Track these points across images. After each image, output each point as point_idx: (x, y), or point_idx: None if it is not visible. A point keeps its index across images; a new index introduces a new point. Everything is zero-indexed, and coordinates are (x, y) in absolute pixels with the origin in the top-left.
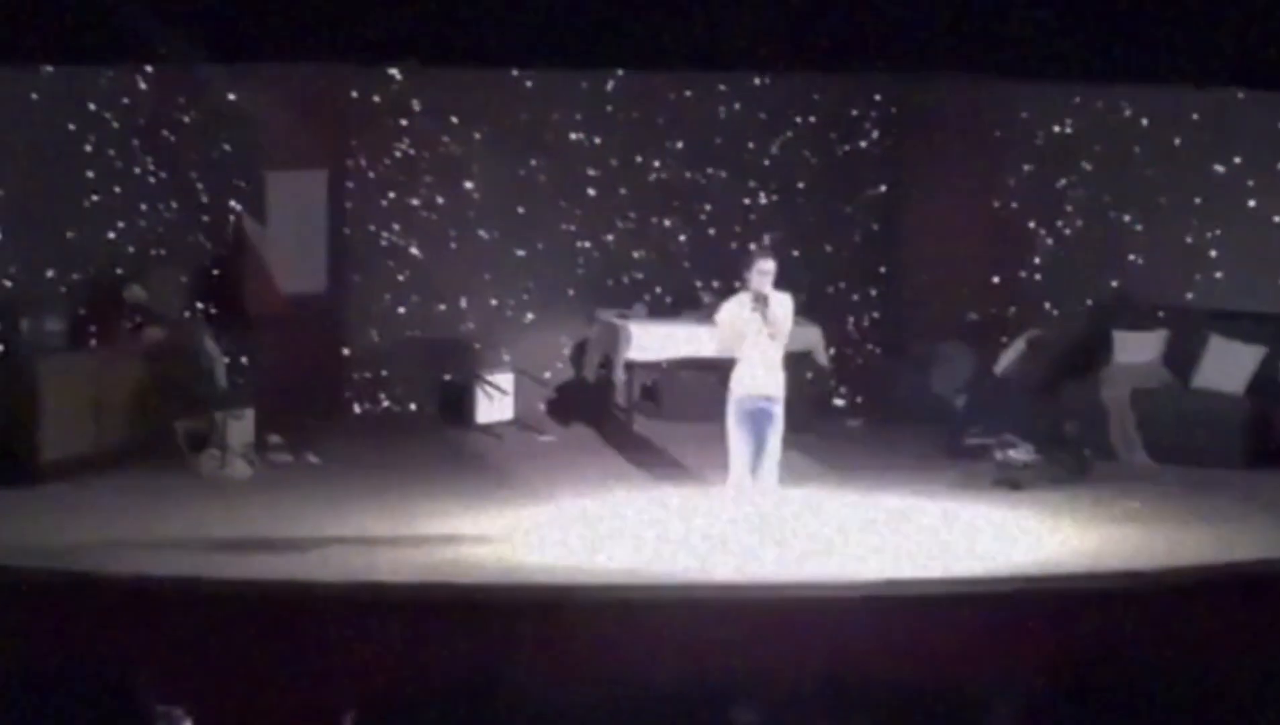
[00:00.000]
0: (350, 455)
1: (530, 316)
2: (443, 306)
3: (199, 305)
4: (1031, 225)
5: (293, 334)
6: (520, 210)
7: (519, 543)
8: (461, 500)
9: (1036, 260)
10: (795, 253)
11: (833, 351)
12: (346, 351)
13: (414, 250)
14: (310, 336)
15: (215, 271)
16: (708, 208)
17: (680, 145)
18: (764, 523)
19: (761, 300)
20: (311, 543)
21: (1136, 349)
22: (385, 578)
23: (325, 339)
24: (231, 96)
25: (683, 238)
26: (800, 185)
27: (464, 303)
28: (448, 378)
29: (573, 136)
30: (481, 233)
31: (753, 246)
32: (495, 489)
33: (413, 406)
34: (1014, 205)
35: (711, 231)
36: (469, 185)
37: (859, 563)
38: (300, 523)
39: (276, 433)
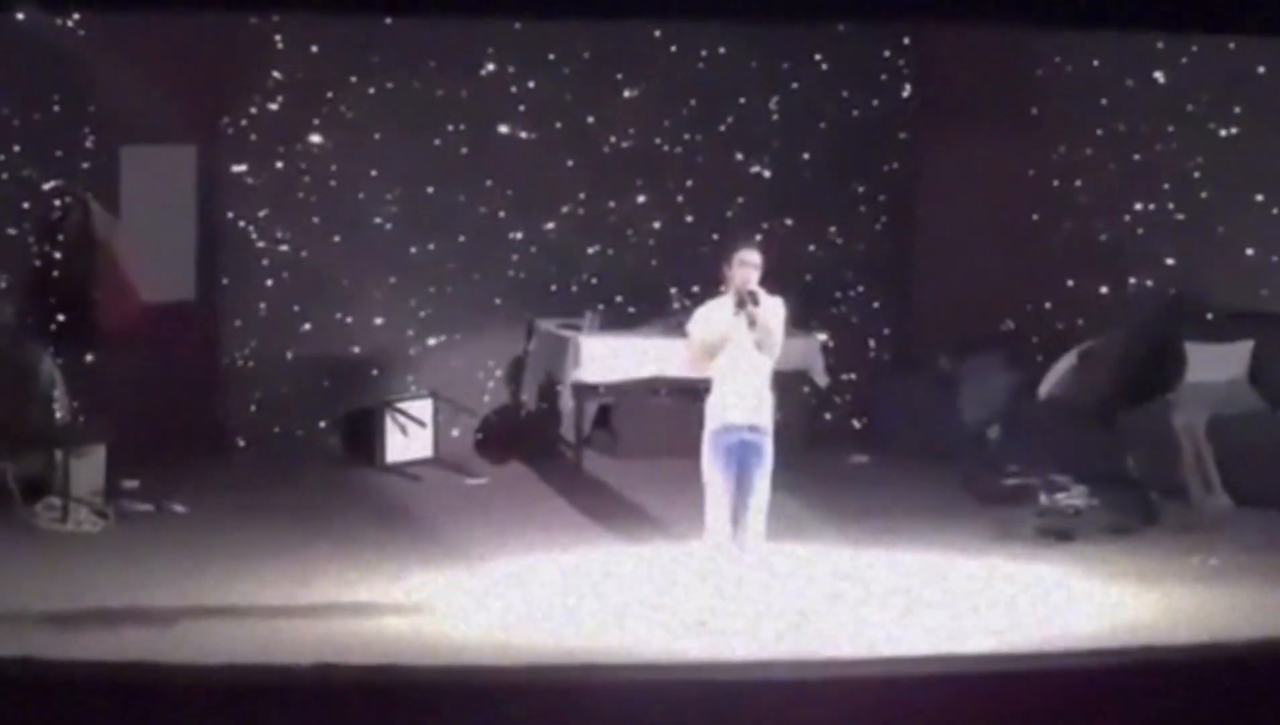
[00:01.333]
0: (227, 503)
1: (452, 328)
2: (344, 317)
3: (33, 316)
4: (1085, 212)
5: (154, 352)
6: (431, 190)
7: (442, 612)
8: (369, 559)
9: (1091, 255)
10: (793, 246)
11: (831, 364)
12: (222, 374)
13: (304, 248)
14: (176, 355)
15: (55, 273)
16: (684, 185)
17: (645, 102)
18: (749, 587)
19: (749, 301)
20: (178, 615)
21: (1215, 365)
22: (273, 659)
23: (195, 358)
24: (71, 44)
25: (649, 226)
26: (804, 156)
27: (368, 312)
28: (350, 405)
29: (503, 93)
30: (383, 222)
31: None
32: (411, 545)
33: (303, 436)
34: (1064, 187)
35: (688, 218)
36: (371, 166)
37: (870, 637)
38: (163, 589)
39: (133, 475)
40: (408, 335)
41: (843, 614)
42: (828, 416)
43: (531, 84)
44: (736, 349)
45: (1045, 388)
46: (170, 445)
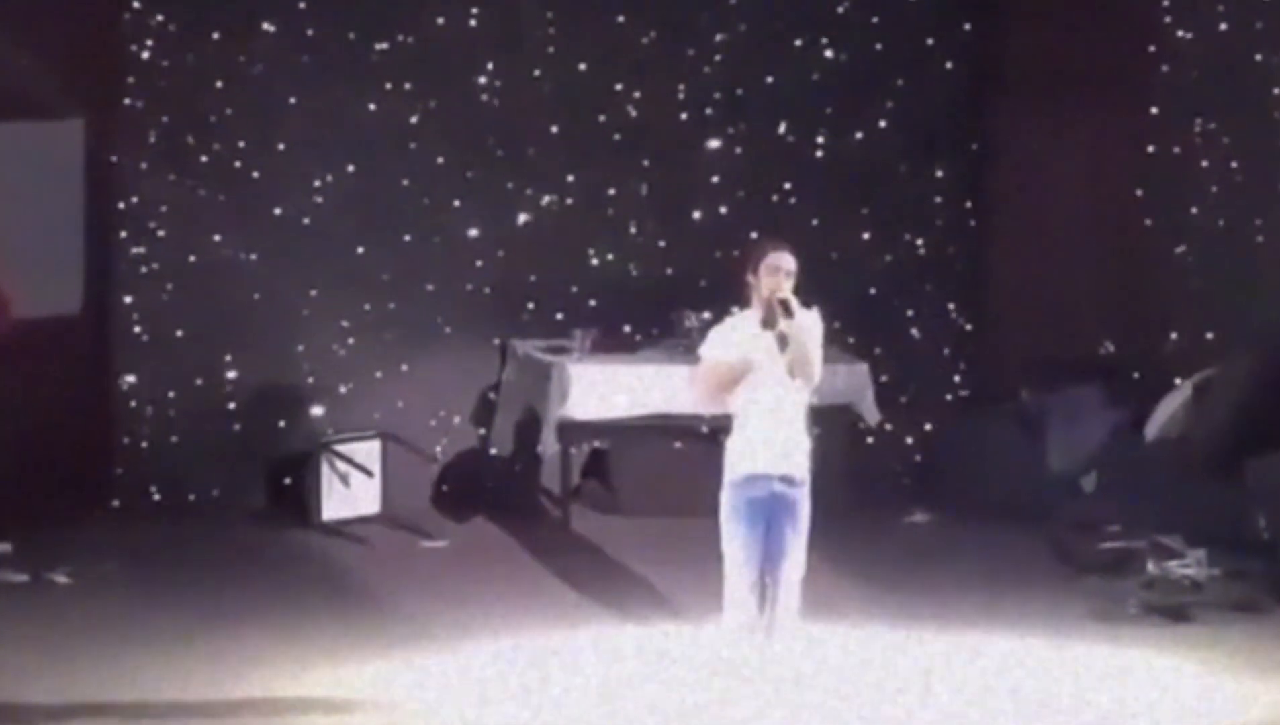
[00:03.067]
0: (121, 572)
1: (404, 353)
2: (268, 339)
3: None
4: (1209, 209)
5: (31, 380)
6: (370, 174)
7: (395, 710)
8: (302, 643)
9: (1215, 263)
10: (836, 248)
11: (884, 397)
12: (116, 408)
13: (214, 251)
14: (58, 384)
15: None
16: (693, 170)
17: (658, 55)
18: (781, 682)
19: (781, 314)
20: (58, 714)
21: None
22: None
23: (82, 388)
24: None
25: (652, 223)
26: (858, 135)
27: (297, 333)
28: (277, 449)
29: (464, 42)
30: (309, 217)
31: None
32: (356, 627)
33: (218, 489)
34: (1182, 177)
35: (696, 215)
36: (294, 143)
37: None
38: (40, 680)
39: (2, 537)
40: (348, 361)
41: (895, 716)
42: (879, 464)
43: (504, 30)
44: (764, 378)
45: (1153, 428)
46: (50, 498)
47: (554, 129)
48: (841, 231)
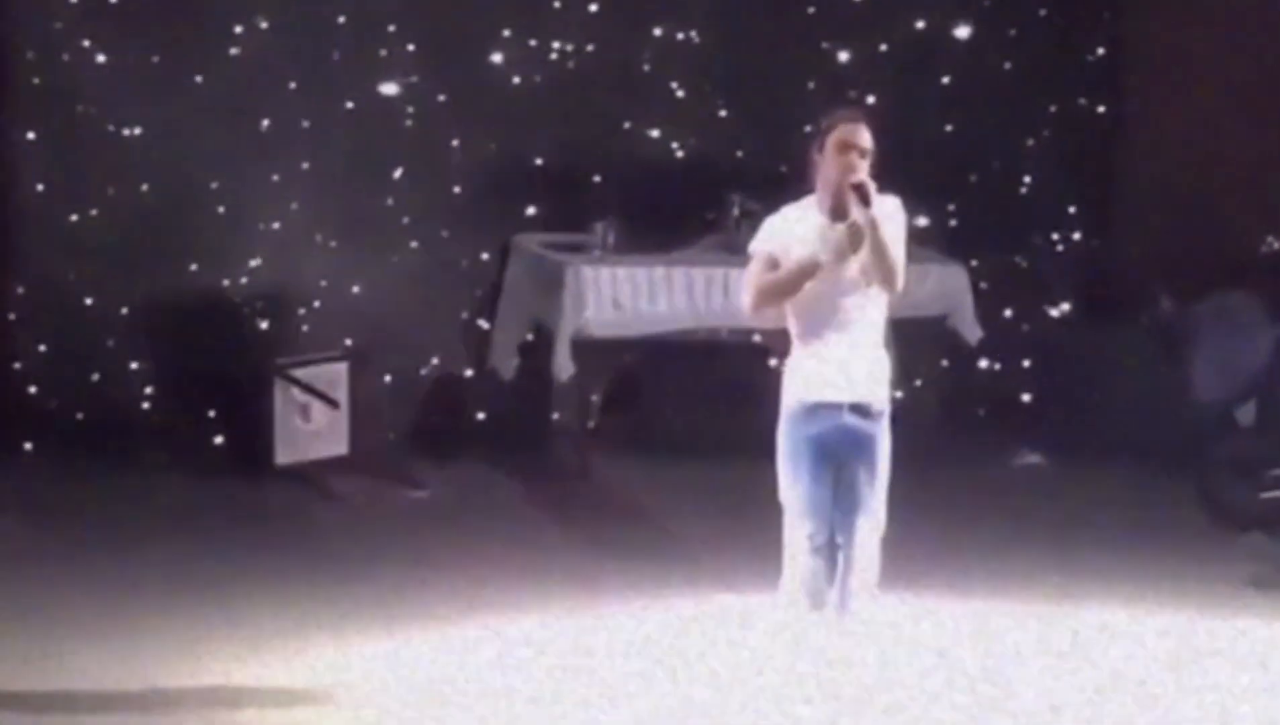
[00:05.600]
0: (29, 528)
1: (376, 253)
2: (210, 242)
3: None
4: None
5: None
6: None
7: (368, 701)
8: (257, 623)
9: None
10: (924, 122)
11: (987, 309)
12: (15, 327)
13: (152, 143)
14: None
15: None
16: (753, 20)
17: None
18: (852, 665)
19: (852, 199)
20: None
21: None
22: None
23: None
24: None
25: (697, 86)
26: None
27: (247, 236)
28: (221, 375)
29: None
30: (258, 93)
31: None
32: (320, 599)
33: (144, 424)
34: None
35: (754, 87)
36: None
37: None
38: None
39: None
40: (310, 264)
41: (999, 714)
42: (981, 393)
43: None
44: (832, 283)
45: None
46: None
47: None
48: (926, 105)
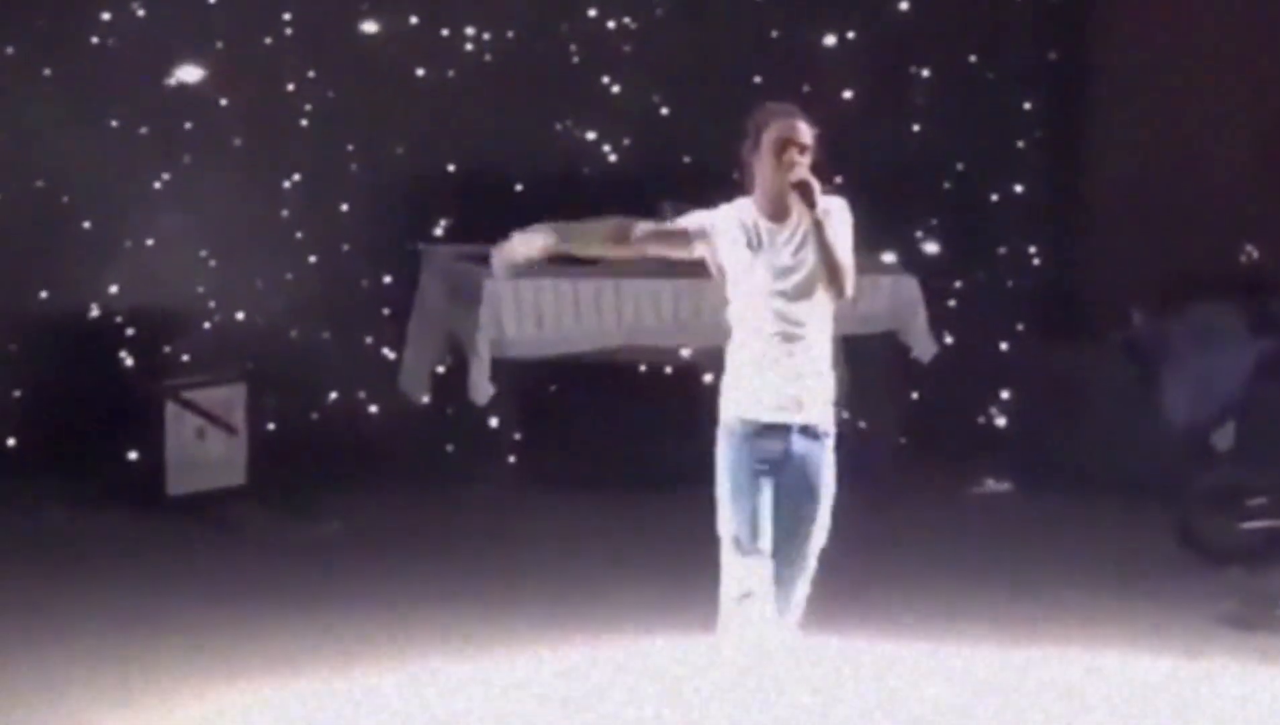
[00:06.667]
0: None
1: (273, 267)
2: (104, 258)
3: None
4: None
5: None
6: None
7: None
8: (141, 666)
9: None
10: (872, 124)
11: (944, 324)
12: None
13: (28, 150)
14: None
15: None
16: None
17: None
18: (789, 697)
19: (800, 198)
20: None
21: None
22: None
23: None
24: None
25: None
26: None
27: (125, 251)
28: (106, 398)
29: None
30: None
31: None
32: (224, 642)
33: (21, 450)
34: None
35: (709, 74)
36: None
37: None
38: None
39: None
40: (205, 287)
41: None
42: (935, 415)
43: None
44: (778, 290)
45: None
46: None
47: None
48: (873, 106)
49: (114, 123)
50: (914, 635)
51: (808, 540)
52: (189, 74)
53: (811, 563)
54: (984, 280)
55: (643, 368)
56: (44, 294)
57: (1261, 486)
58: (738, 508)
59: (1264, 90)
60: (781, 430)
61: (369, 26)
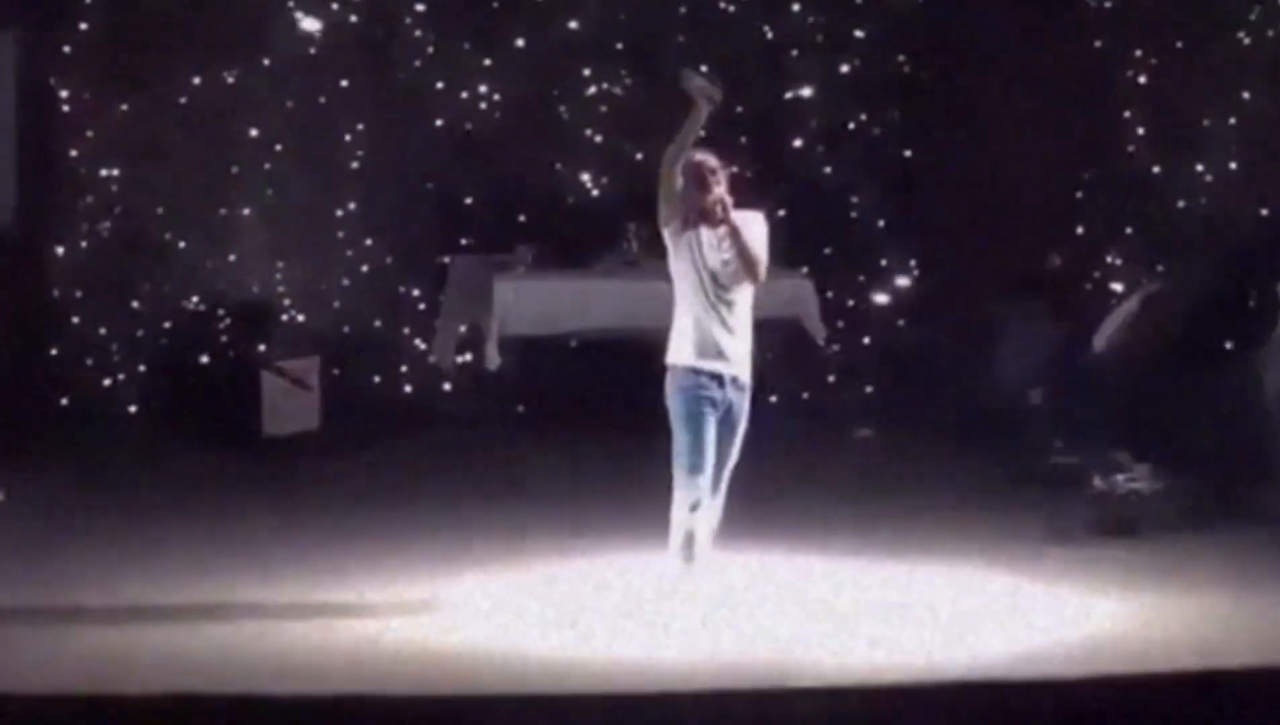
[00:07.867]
0: (58, 487)
1: (337, 269)
2: (198, 257)
3: None
4: (1160, 114)
5: None
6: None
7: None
8: (267, 560)
9: (1164, 171)
10: (773, 153)
11: (829, 311)
12: (47, 325)
13: (148, 167)
14: None
15: None
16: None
17: None
18: (702, 601)
19: (712, 218)
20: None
21: None
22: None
23: (10, 300)
24: None
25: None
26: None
27: (227, 249)
28: (212, 364)
29: None
30: (245, 125)
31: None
32: (337, 547)
33: (144, 403)
34: (1121, 90)
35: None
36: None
37: (857, 668)
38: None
39: None
40: (283, 282)
41: (826, 645)
42: (827, 380)
43: None
44: (715, 268)
45: (1101, 339)
46: None
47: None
48: (769, 137)
49: (231, 168)
50: (807, 549)
51: (727, 464)
52: (269, 129)
53: (724, 481)
54: (864, 282)
55: (611, 342)
56: (176, 294)
57: (1063, 430)
58: (696, 434)
59: (1088, 111)
60: (721, 379)
61: (406, 91)
